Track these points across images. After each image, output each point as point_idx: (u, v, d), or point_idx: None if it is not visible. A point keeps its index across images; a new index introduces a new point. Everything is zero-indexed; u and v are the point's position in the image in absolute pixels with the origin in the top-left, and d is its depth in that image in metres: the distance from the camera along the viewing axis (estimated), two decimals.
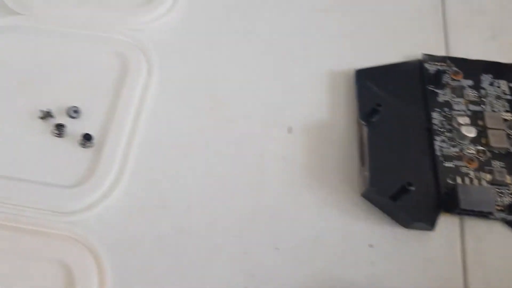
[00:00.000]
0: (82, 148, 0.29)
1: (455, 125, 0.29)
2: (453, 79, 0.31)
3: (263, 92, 0.32)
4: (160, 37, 0.34)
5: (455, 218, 0.27)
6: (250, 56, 0.33)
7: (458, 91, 0.31)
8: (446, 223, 0.27)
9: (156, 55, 0.33)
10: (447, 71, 0.31)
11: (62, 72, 0.32)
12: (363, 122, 0.29)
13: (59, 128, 0.29)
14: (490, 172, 0.28)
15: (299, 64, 0.33)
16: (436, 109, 0.30)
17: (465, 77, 0.31)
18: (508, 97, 0.30)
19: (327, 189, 0.28)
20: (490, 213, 0.27)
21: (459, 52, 0.33)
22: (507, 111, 0.30)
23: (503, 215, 0.27)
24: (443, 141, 0.29)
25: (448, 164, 0.28)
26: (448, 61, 0.32)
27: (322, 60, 0.33)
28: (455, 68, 0.31)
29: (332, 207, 0.28)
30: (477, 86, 0.31)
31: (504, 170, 0.28)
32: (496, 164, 0.28)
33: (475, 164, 0.28)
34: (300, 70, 0.32)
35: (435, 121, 0.29)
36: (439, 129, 0.29)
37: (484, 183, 0.28)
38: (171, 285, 0.26)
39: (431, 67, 0.31)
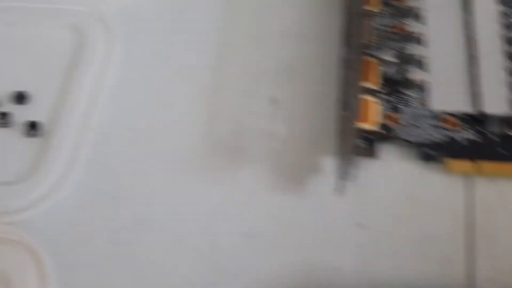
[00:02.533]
0: (29, 138, 0.26)
1: None
2: None
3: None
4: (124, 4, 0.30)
5: None
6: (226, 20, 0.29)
7: None
8: None
9: (118, 27, 0.29)
10: None
11: (6, 52, 0.28)
12: None
13: (3, 117, 0.26)
14: None
15: None
16: None
17: None
18: None
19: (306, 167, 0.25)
20: None
21: None
22: None
23: None
24: None
25: None
26: None
27: None
28: None
29: (312, 185, 0.24)
30: None
31: None
32: None
33: None
34: None
35: None
36: None
37: None
38: (126, 285, 0.23)
39: None
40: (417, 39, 0.26)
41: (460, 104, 0.24)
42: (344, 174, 0.23)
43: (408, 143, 0.24)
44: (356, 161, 0.24)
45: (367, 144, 0.24)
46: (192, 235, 0.24)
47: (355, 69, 0.24)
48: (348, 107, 0.23)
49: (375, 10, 0.27)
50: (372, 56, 0.26)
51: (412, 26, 0.26)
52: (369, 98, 0.25)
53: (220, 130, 0.26)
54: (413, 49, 0.25)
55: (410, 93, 0.25)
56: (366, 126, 0.24)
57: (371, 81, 0.25)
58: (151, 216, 0.24)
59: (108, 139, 0.26)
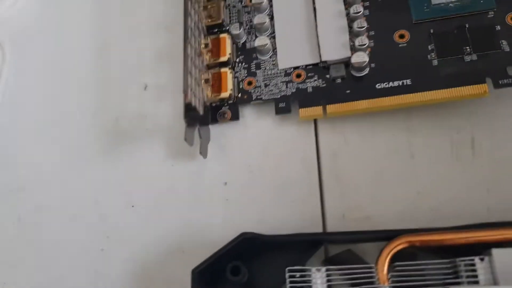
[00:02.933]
0: None
1: None
2: None
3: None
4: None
5: None
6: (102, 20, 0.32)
7: None
8: None
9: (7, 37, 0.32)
10: None
11: None
12: None
13: None
14: None
15: None
16: None
17: None
18: None
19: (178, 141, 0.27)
20: None
21: None
22: None
23: None
24: None
25: None
26: None
27: None
28: None
29: (183, 155, 0.27)
30: None
31: None
32: None
33: None
34: None
35: None
36: None
37: None
38: (33, 259, 0.26)
39: None
40: (263, 9, 0.28)
41: (303, 58, 0.26)
42: (204, 140, 0.26)
43: (264, 101, 0.26)
44: (206, 127, 0.26)
45: (229, 109, 0.27)
46: (83, 211, 0.27)
47: (196, 48, 0.26)
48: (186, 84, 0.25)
49: None
50: (222, 32, 0.28)
51: None
52: (223, 70, 0.27)
53: (105, 118, 0.29)
54: (260, 19, 0.27)
55: (262, 57, 0.27)
56: (223, 95, 0.26)
57: (222, 55, 0.27)
58: (49, 200, 0.27)
59: (10, 136, 0.30)
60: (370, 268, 0.20)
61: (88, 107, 0.29)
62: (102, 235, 0.26)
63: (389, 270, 0.20)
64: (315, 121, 0.26)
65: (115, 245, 0.26)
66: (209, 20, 0.28)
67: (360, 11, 0.26)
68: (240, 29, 0.28)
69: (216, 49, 0.28)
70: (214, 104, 0.27)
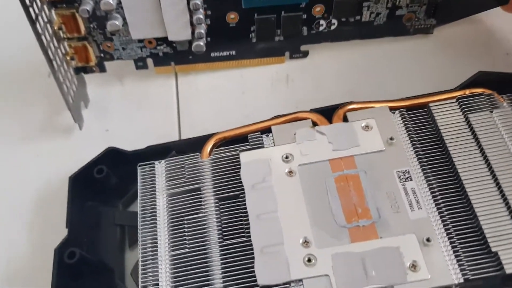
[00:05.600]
0: None
1: None
2: None
3: None
4: None
5: None
6: None
7: None
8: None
9: None
10: None
11: None
12: None
13: None
14: None
15: None
16: None
17: None
18: None
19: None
20: None
21: None
22: None
23: None
24: None
25: None
26: None
27: None
28: None
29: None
30: None
31: None
32: None
33: None
34: None
35: None
36: None
37: None
38: None
39: None
40: None
41: (152, 31, 0.31)
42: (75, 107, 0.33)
43: (122, 60, 0.33)
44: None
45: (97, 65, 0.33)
46: None
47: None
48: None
49: None
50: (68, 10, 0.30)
51: None
52: (83, 43, 0.31)
53: None
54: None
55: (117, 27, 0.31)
56: (91, 63, 0.32)
57: (78, 32, 0.30)
58: None
59: None
60: (196, 155, 0.31)
61: None
62: None
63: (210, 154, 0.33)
64: (176, 74, 0.35)
65: None
66: None
67: None
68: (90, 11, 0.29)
69: (70, 26, 0.30)
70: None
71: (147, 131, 0.34)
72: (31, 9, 0.26)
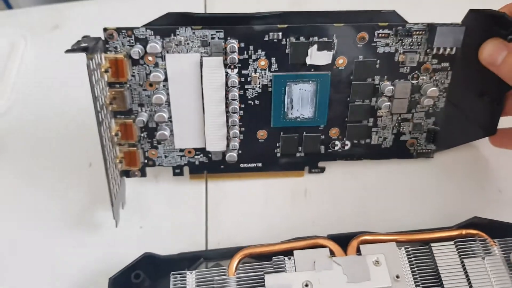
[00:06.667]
0: None
1: None
2: None
3: None
4: None
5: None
6: None
7: None
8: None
9: None
10: None
11: None
12: None
13: None
14: None
15: None
16: None
17: None
18: None
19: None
20: None
21: None
22: None
23: None
24: None
25: None
26: None
27: None
28: None
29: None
30: None
31: None
32: None
33: None
34: None
35: None
36: None
37: None
38: None
39: None
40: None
41: (193, 142, 0.37)
42: (116, 205, 0.37)
43: (164, 167, 0.38)
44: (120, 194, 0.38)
45: (139, 170, 0.38)
46: None
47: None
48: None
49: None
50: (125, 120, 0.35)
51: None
52: (131, 149, 0.36)
53: None
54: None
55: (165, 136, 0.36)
56: (135, 168, 0.37)
57: (130, 139, 0.36)
58: None
59: None
60: (224, 269, 0.35)
61: None
62: None
63: (236, 269, 0.35)
64: (206, 181, 0.39)
65: None
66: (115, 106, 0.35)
67: (236, 111, 0.35)
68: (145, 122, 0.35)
69: (126, 133, 0.35)
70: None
71: (178, 230, 0.38)
72: (100, 114, 0.32)
